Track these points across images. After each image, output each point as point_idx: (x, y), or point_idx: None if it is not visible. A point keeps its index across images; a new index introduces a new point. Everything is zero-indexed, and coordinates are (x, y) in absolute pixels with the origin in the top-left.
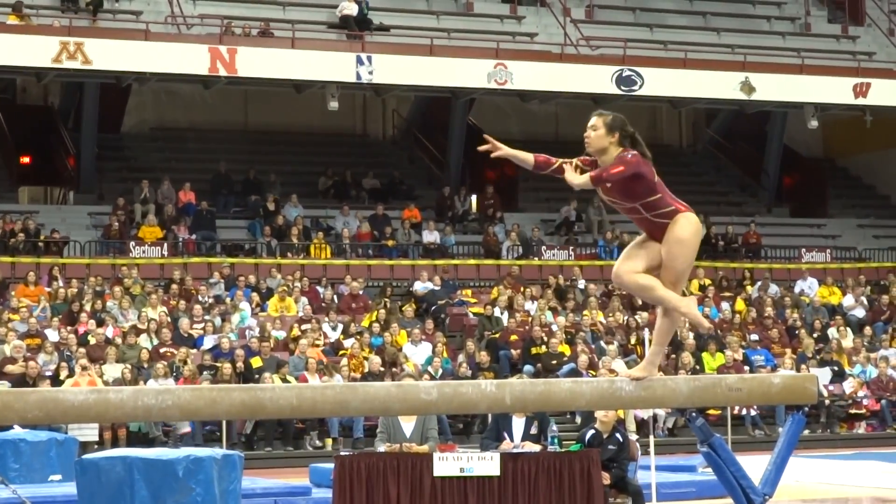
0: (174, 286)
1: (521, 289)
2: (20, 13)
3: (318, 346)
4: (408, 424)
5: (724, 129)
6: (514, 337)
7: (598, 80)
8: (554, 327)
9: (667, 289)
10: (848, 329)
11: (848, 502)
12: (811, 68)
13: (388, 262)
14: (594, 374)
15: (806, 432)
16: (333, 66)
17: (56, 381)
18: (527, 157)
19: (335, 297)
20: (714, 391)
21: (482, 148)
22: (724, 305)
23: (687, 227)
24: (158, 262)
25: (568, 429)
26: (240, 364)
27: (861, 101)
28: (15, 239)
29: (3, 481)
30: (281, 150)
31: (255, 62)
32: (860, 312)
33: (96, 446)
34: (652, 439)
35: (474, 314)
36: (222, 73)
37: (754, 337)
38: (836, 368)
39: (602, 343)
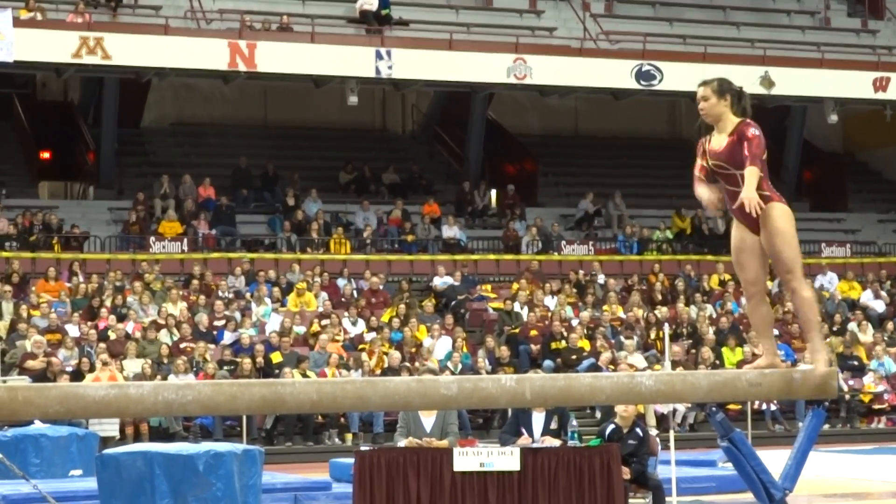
0: (194, 281)
1: (542, 284)
2: (30, 6)
3: (337, 341)
4: (428, 419)
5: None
6: (533, 332)
7: (617, 74)
8: (574, 322)
9: (771, 335)
10: (868, 324)
11: (868, 497)
12: (831, 62)
13: (408, 257)
14: (614, 368)
15: (826, 427)
16: (353, 60)
17: (77, 376)
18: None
19: (355, 292)
20: (734, 386)
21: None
22: (744, 300)
23: (782, 217)
24: (178, 258)
25: (588, 424)
26: (259, 359)
27: (881, 95)
28: (35, 235)
29: (24, 476)
30: (300, 145)
31: (275, 57)
32: (880, 307)
33: (117, 441)
34: (672, 434)
35: (494, 309)
36: (242, 68)
37: (774, 332)
38: (856, 363)
39: (622, 338)
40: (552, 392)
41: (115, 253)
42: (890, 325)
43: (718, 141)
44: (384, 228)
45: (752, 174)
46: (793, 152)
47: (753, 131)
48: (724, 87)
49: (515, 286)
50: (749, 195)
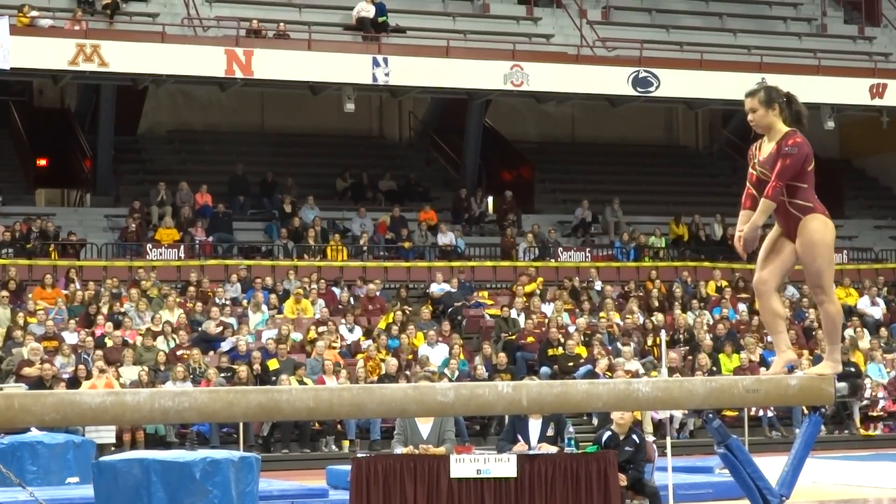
0: (191, 288)
1: (539, 285)
2: (24, 15)
3: (334, 348)
4: (424, 426)
5: (741, 130)
6: (530, 339)
7: (614, 81)
8: (571, 329)
9: (781, 331)
10: (864, 330)
11: (865, 503)
12: (827, 69)
13: (405, 263)
14: (610, 375)
15: (823, 433)
16: (349, 67)
17: (73, 383)
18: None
19: (352, 298)
20: (731, 392)
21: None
22: (742, 307)
23: (819, 230)
24: (175, 265)
25: (584, 430)
26: (256, 366)
27: (877, 101)
28: (32, 242)
29: (21, 484)
30: (297, 151)
31: (272, 64)
32: (877, 313)
33: (113, 448)
34: (668, 441)
35: (491, 316)
36: (238, 75)
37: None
38: (853, 370)
39: (619, 345)
40: (549, 399)
41: (112, 260)
42: (885, 332)
43: (767, 149)
44: (380, 236)
45: (763, 208)
46: None
47: (790, 149)
48: (771, 97)
49: (518, 289)
50: (742, 233)
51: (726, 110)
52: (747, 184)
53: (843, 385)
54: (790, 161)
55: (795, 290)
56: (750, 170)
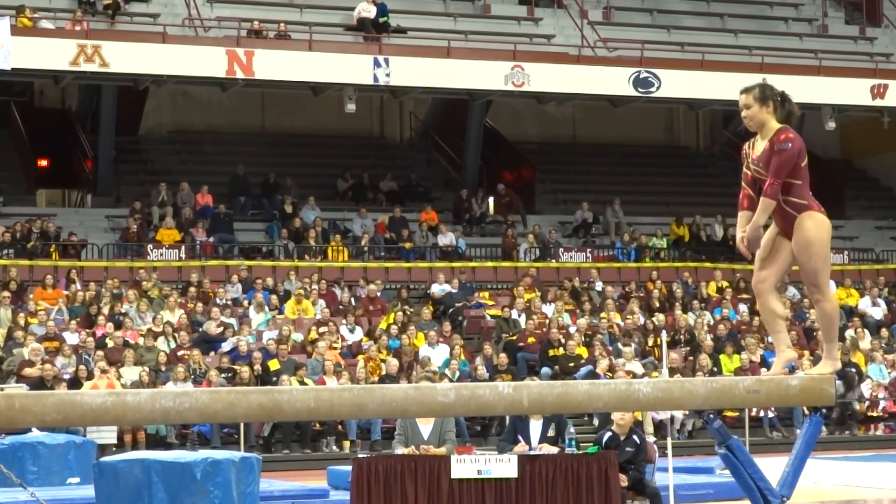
0: (192, 289)
1: (538, 291)
2: (24, 16)
3: (335, 348)
4: (425, 427)
5: (741, 130)
6: (531, 339)
7: (615, 81)
8: (571, 329)
9: (780, 330)
10: (865, 331)
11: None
12: (828, 70)
13: (406, 264)
14: (611, 375)
15: (824, 434)
16: (350, 68)
17: (74, 383)
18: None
19: (352, 299)
20: (731, 393)
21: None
22: (742, 307)
23: (814, 228)
24: (176, 265)
25: (585, 431)
26: (257, 367)
27: (879, 102)
28: (33, 242)
29: (22, 484)
30: (298, 152)
31: (273, 65)
32: (878, 314)
33: (114, 449)
34: (669, 441)
35: (492, 316)
36: (240, 75)
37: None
38: (853, 370)
39: (619, 345)
40: (549, 399)
41: (113, 260)
42: (885, 332)
43: (760, 146)
44: (381, 236)
45: (763, 207)
46: None
47: (782, 145)
48: (766, 94)
49: (517, 291)
50: (745, 234)
51: (727, 111)
52: (743, 184)
53: (838, 384)
54: (785, 157)
55: (796, 291)
56: (744, 169)
